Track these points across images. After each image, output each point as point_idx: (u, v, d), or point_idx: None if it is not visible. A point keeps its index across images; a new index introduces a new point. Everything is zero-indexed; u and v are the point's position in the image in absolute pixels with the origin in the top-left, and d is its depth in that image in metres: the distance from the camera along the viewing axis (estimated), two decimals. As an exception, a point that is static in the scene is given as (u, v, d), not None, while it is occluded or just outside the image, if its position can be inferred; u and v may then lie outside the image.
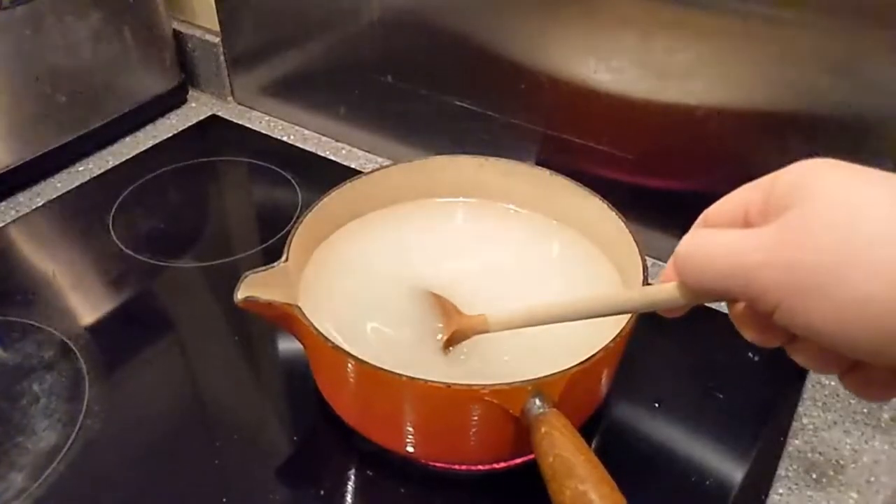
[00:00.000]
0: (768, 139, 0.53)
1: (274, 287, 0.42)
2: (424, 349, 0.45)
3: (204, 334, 0.55)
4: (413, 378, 0.37)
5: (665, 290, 0.29)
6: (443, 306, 0.47)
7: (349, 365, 0.39)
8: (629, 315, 0.41)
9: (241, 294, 0.41)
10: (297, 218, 0.49)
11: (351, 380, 0.42)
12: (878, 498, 0.44)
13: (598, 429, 0.48)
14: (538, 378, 0.37)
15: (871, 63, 0.46)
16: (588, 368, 0.39)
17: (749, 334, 0.27)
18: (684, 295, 0.28)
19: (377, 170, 0.55)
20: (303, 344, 0.44)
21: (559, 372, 0.38)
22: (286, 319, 0.42)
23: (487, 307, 0.49)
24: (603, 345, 0.39)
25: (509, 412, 0.38)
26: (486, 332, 0.42)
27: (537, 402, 0.37)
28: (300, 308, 0.41)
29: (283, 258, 0.45)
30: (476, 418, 0.40)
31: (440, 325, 0.46)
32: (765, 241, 0.23)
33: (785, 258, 0.22)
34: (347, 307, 0.48)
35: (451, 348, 0.45)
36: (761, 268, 0.22)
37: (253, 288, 0.41)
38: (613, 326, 0.41)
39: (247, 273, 0.42)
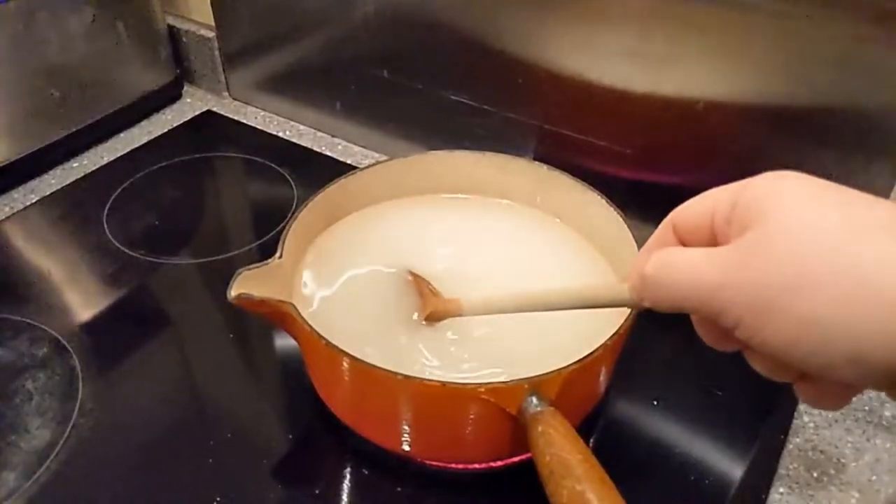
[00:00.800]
0: (770, 133, 0.52)
1: (268, 284, 0.42)
2: (417, 343, 0.45)
3: (199, 331, 0.55)
4: (408, 377, 0.37)
5: (623, 293, 0.30)
6: (419, 287, 0.47)
7: (344, 363, 0.39)
8: (627, 311, 0.41)
9: (234, 291, 0.40)
10: (293, 214, 0.48)
11: (346, 378, 0.41)
12: (879, 497, 0.44)
13: (596, 427, 0.48)
14: (535, 376, 0.37)
15: (876, 57, 0.46)
16: (586, 366, 0.38)
17: (708, 340, 0.29)
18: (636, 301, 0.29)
19: (372, 165, 0.54)
20: (297, 341, 0.44)
21: (556, 370, 0.37)
22: (280, 317, 0.42)
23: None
24: (601, 342, 0.39)
25: (506, 411, 0.37)
26: (461, 315, 0.43)
27: (534, 400, 0.37)
28: (294, 305, 0.41)
29: (278, 255, 0.44)
30: (472, 417, 0.39)
31: (418, 304, 0.47)
32: (724, 263, 0.24)
33: (741, 279, 0.23)
34: (342, 303, 0.47)
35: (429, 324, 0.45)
36: (720, 289, 0.24)
37: (247, 285, 0.41)
38: (611, 323, 0.40)
39: (240, 270, 0.41)
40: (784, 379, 0.27)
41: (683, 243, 0.28)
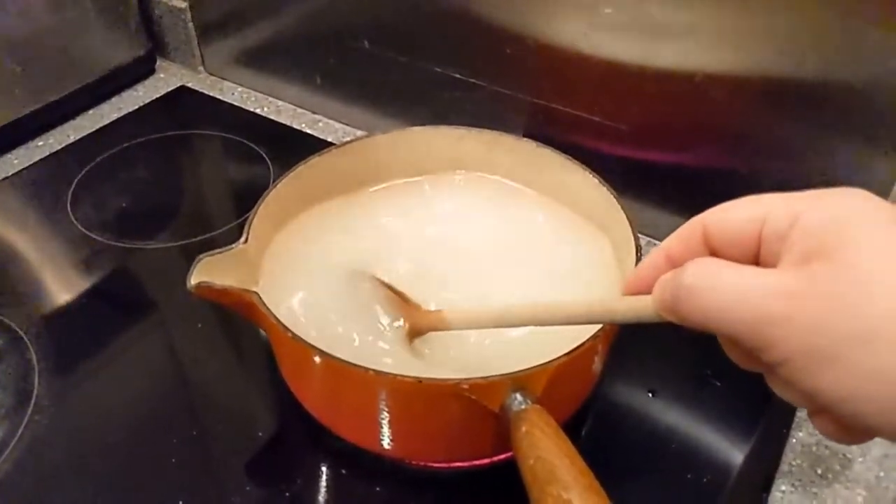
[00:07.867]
0: (771, 108, 0.49)
1: (232, 271, 0.39)
2: (388, 337, 0.42)
3: (164, 322, 0.52)
4: (380, 372, 0.34)
5: (645, 308, 0.27)
6: (393, 299, 0.44)
7: (313, 358, 0.36)
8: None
9: (194, 279, 0.37)
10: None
11: (316, 374, 0.38)
12: (887, 495, 0.41)
13: (587, 420, 0.45)
14: (519, 371, 0.34)
15: (882, 35, 0.43)
16: (574, 360, 0.35)
17: (732, 356, 0.26)
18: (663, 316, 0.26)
19: (348, 142, 0.51)
20: (266, 334, 0.41)
21: (542, 364, 0.34)
22: (245, 307, 0.38)
23: (466, 289, 0.46)
24: (591, 333, 0.36)
25: (488, 408, 0.34)
26: (448, 329, 0.40)
27: (518, 397, 0.34)
28: (258, 294, 0.38)
29: (243, 239, 0.41)
30: (452, 415, 0.36)
31: (400, 315, 0.43)
32: (790, 292, 0.21)
33: (810, 319, 0.20)
34: (313, 291, 0.44)
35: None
36: (781, 322, 0.21)
37: (208, 272, 0.38)
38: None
39: (201, 256, 0.38)
40: (803, 406, 0.24)
41: (714, 253, 0.25)
